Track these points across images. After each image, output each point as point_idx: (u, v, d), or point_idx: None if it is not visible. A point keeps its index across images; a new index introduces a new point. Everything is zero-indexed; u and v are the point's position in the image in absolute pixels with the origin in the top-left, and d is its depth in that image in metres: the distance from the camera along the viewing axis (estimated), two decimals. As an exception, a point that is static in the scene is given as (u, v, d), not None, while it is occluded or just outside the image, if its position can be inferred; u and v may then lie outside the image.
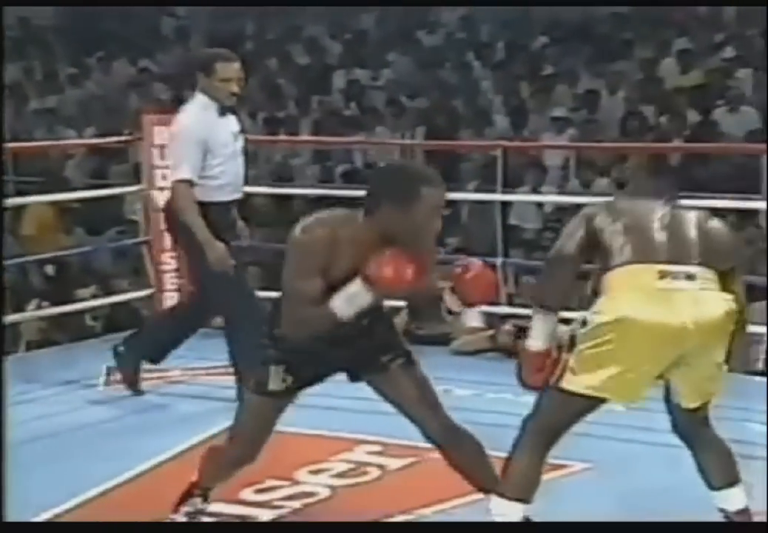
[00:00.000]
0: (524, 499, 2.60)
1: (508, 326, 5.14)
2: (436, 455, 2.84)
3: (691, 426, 2.69)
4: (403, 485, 3.33)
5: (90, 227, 7.87)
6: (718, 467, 2.69)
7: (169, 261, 5.23)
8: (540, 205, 7.36)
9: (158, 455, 3.55)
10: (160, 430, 3.84)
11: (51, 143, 8.41)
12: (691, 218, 2.62)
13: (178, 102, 9.42)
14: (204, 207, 3.97)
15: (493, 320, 5.24)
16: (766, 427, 3.56)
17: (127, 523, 2.90)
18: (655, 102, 8.08)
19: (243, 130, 4.24)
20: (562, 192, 7.22)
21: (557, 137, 7.95)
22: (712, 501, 2.72)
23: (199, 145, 3.96)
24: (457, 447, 2.76)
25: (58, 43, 11.19)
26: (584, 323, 2.56)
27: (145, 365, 4.35)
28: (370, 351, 2.72)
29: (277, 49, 10.45)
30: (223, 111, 4.05)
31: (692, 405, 2.64)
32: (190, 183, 3.96)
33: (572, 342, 2.59)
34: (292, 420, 2.90)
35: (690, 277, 2.49)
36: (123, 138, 6.65)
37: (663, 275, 2.48)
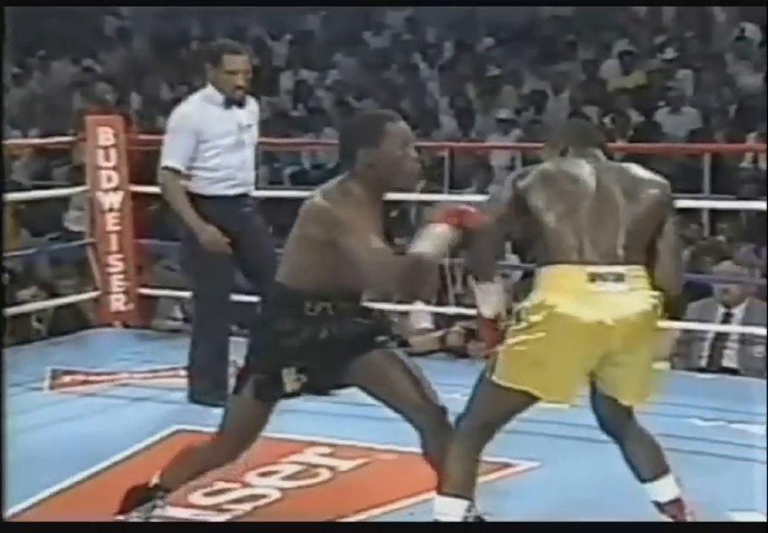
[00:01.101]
0: (463, 496, 2.62)
1: (457, 327, 5.15)
2: (387, 456, 2.84)
3: (618, 421, 2.74)
4: (353, 486, 3.31)
5: (34, 229, 7.77)
6: (647, 459, 2.73)
7: (115, 263, 5.19)
8: (486, 205, 7.40)
9: (106, 458, 3.50)
10: (108, 434, 3.79)
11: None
12: (620, 178, 2.66)
13: (122, 103, 9.45)
14: (199, 200, 3.91)
15: (441, 321, 5.26)
16: (765, 429, 3.59)
17: (128, 523, 2.89)
18: (599, 103, 8.17)
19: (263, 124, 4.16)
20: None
21: (503, 138, 8.00)
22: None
23: (190, 135, 3.90)
24: (441, 434, 2.68)
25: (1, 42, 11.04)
26: (518, 317, 2.61)
27: (93, 368, 4.30)
28: (369, 333, 2.73)
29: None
30: (229, 103, 3.98)
31: (632, 403, 2.69)
32: (176, 171, 3.89)
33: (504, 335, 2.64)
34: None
35: (618, 278, 2.57)
36: (67, 139, 6.58)
37: (593, 278, 2.56)
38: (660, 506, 2.75)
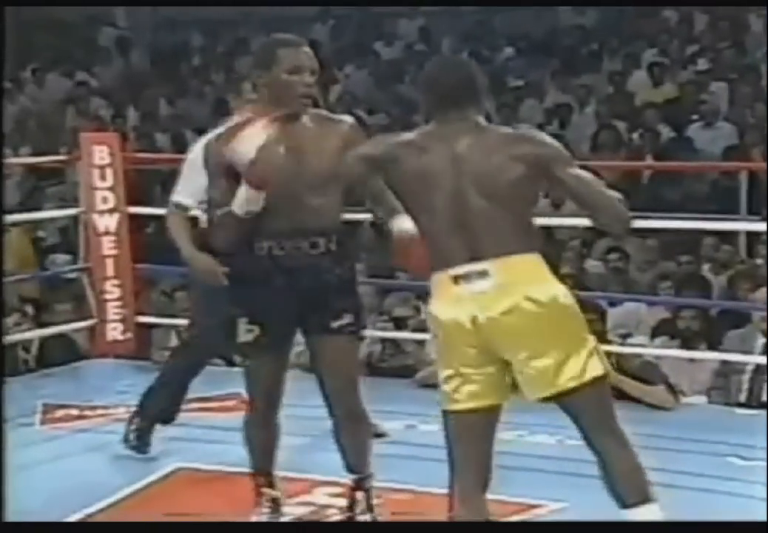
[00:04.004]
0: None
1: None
2: (402, 496, 2.84)
3: (595, 436, 2.69)
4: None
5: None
6: (626, 482, 2.67)
7: (111, 290, 5.21)
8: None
9: (102, 500, 3.50)
10: (104, 472, 3.80)
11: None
12: (482, 152, 2.63)
13: (118, 119, 9.51)
14: None
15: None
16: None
17: (128, 523, 2.94)
18: (626, 117, 8.19)
19: None
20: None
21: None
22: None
23: (199, 173, 3.91)
24: (350, 430, 3.08)
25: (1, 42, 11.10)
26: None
27: (88, 402, 4.30)
28: (321, 312, 3.00)
29: (224, 63, 10.47)
30: None
31: (536, 396, 2.65)
32: (182, 207, 3.90)
33: None
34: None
35: (482, 274, 2.61)
36: (60, 157, 6.62)
37: (456, 280, 2.62)
38: None
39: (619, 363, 4.64)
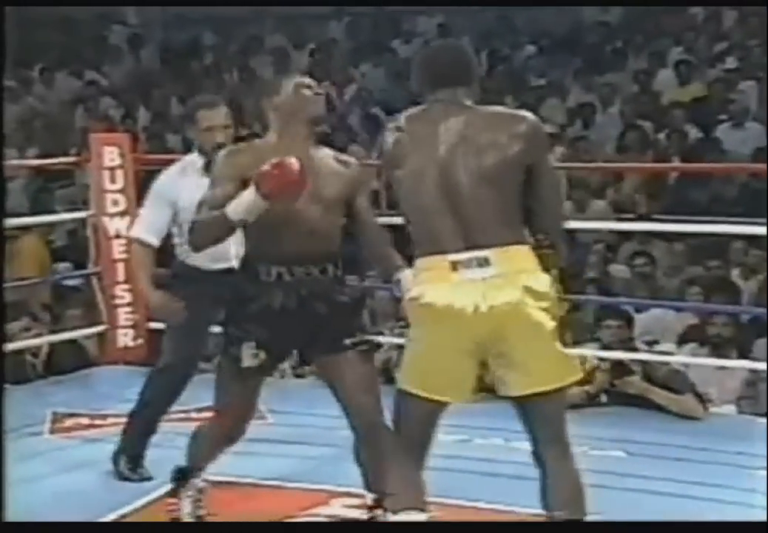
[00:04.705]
0: (415, 508, 2.67)
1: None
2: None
3: (541, 446, 2.71)
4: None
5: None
6: (562, 498, 2.68)
7: (122, 294, 5.21)
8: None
9: (114, 512, 3.51)
10: (116, 484, 3.80)
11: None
12: (473, 135, 2.65)
13: (129, 119, 9.53)
14: (195, 271, 3.91)
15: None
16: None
17: (128, 523, 2.97)
18: (652, 117, 8.16)
19: None
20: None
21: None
22: None
23: (163, 206, 3.87)
24: (372, 446, 3.02)
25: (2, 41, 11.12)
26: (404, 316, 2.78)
27: (98, 410, 4.30)
28: (333, 333, 3.03)
29: (237, 61, 10.48)
30: (209, 167, 3.92)
31: (519, 392, 2.68)
32: (141, 243, 3.88)
33: None
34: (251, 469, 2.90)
35: (482, 263, 2.62)
36: (69, 159, 6.64)
37: (455, 266, 2.63)
38: None
39: (645, 371, 4.63)
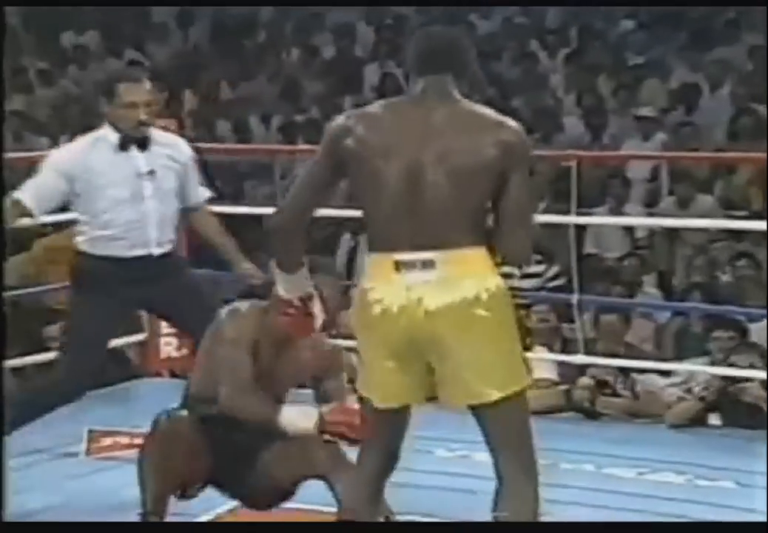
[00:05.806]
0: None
1: (586, 380, 5.13)
2: None
3: (498, 456, 2.79)
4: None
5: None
6: (515, 512, 2.76)
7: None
8: (628, 228, 7.32)
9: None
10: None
11: (20, 155, 8.47)
12: (449, 133, 2.75)
13: (174, 103, 9.63)
14: (89, 259, 4.02)
15: (568, 372, 5.24)
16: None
17: (128, 523, 3.08)
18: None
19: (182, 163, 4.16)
20: (651, 213, 7.21)
21: (644, 144, 7.96)
22: None
23: (57, 177, 3.96)
24: None
25: (26, 31, 11.30)
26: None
27: (139, 428, 4.33)
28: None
29: (297, 39, 10.56)
30: (126, 144, 4.02)
31: (456, 403, 2.79)
32: (17, 204, 3.96)
33: None
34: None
35: (426, 264, 2.74)
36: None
37: (398, 266, 2.75)
38: None
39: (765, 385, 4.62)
